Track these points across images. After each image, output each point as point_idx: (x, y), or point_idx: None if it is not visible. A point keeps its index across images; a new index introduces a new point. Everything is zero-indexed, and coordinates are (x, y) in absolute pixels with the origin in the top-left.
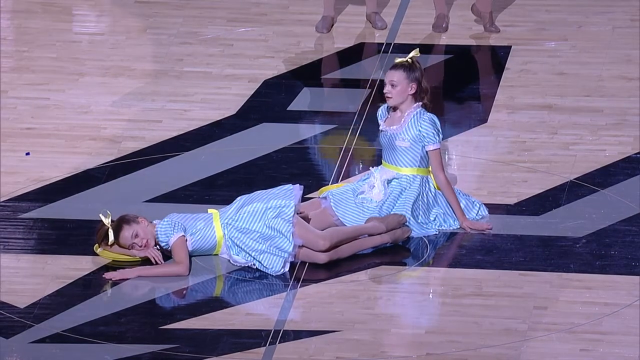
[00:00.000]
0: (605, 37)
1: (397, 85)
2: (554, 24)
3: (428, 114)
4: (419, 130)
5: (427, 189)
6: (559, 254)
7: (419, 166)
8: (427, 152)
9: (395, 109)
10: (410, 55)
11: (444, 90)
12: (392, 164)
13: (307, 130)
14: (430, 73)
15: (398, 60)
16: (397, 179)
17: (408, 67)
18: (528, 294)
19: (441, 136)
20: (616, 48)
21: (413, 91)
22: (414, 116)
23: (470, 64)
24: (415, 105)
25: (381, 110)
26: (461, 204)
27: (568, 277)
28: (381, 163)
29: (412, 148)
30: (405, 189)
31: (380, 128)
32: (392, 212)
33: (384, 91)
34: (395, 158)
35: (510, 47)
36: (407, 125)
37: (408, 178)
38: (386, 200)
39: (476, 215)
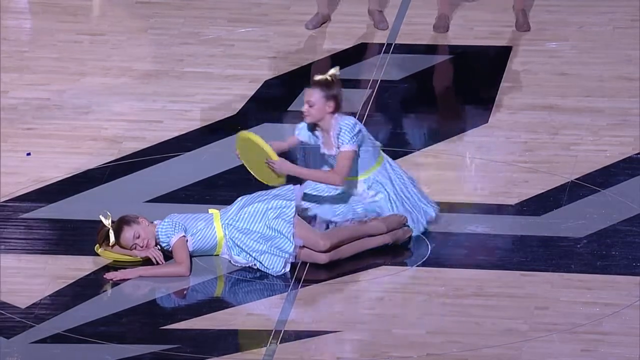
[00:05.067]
0: (606, 37)
1: (315, 104)
2: (555, 25)
3: (344, 118)
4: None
5: (392, 173)
6: (560, 255)
7: (370, 167)
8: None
9: (315, 127)
10: (330, 72)
11: (445, 90)
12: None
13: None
14: (431, 74)
15: (317, 77)
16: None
17: (325, 85)
18: (529, 294)
19: (356, 139)
20: (617, 48)
21: (331, 109)
22: (336, 133)
23: (471, 65)
24: (335, 122)
25: (300, 130)
26: (411, 214)
27: (569, 277)
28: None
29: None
30: (377, 188)
31: (322, 152)
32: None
33: (303, 109)
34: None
35: (510, 47)
36: (339, 142)
37: (370, 179)
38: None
39: (424, 222)
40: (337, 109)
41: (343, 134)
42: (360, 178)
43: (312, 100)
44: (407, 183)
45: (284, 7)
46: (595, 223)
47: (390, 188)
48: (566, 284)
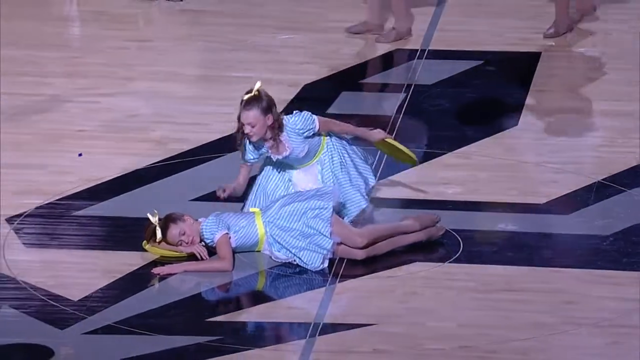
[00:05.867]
0: (631, 44)
1: (256, 123)
2: (582, 32)
3: (287, 122)
4: (301, 136)
5: (340, 150)
6: (587, 251)
7: (317, 151)
8: (317, 129)
9: (265, 140)
10: (255, 88)
11: (476, 94)
12: (300, 163)
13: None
14: (463, 78)
15: (246, 97)
16: (316, 166)
17: (257, 102)
18: (557, 289)
19: (309, 118)
20: None
21: (271, 121)
22: (288, 135)
23: (502, 70)
24: (281, 128)
25: (246, 154)
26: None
27: (596, 273)
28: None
29: (306, 150)
30: (328, 163)
31: (275, 157)
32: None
33: (246, 132)
34: (301, 161)
35: (540, 53)
36: (294, 144)
37: (324, 154)
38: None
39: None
40: (276, 118)
41: (302, 126)
42: (314, 161)
43: (252, 121)
44: (348, 156)
45: (323, 15)
46: (621, 222)
47: (337, 162)
48: (593, 279)
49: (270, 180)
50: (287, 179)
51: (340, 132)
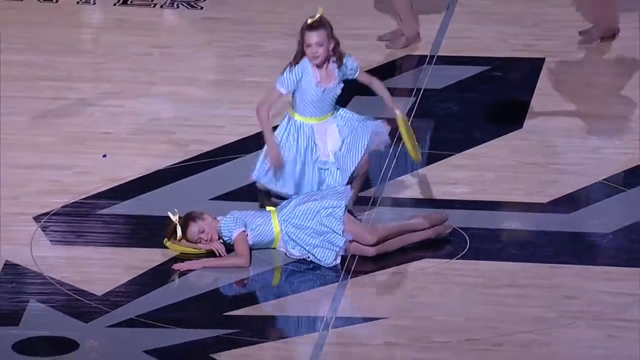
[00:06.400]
0: (632, 50)
1: (323, 43)
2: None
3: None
4: (344, 72)
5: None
6: (587, 249)
7: (332, 108)
8: (359, 79)
9: (319, 66)
10: (319, 14)
11: (483, 98)
12: (322, 114)
13: None
14: (471, 83)
15: (311, 20)
16: (332, 120)
17: (324, 25)
18: (558, 284)
19: (355, 62)
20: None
21: (333, 46)
22: (336, 67)
23: (507, 75)
24: (332, 58)
25: (302, 66)
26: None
27: (595, 269)
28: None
29: (341, 88)
30: (345, 121)
31: (321, 88)
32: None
33: (312, 52)
34: (325, 109)
35: (544, 59)
36: (337, 76)
37: (340, 114)
38: (345, 140)
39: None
40: (337, 43)
41: (350, 66)
42: (330, 116)
43: (320, 40)
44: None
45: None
46: (620, 220)
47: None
48: (592, 275)
49: (291, 148)
50: (309, 141)
51: (374, 87)
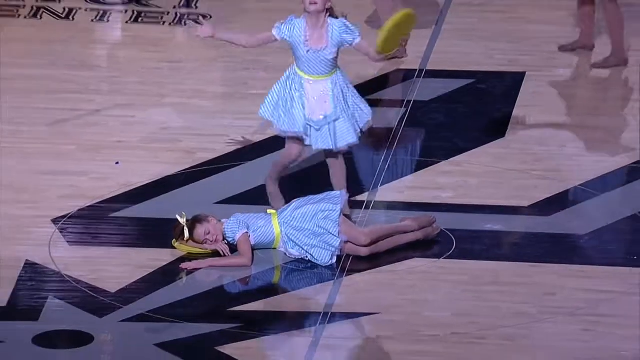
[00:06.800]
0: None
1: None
2: (562, 55)
3: (336, 20)
4: (339, 39)
5: (344, 79)
6: (565, 249)
7: (336, 66)
8: (356, 47)
9: (313, 26)
10: None
11: (469, 109)
12: (315, 73)
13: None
14: (457, 95)
15: None
16: (327, 82)
17: None
18: (538, 282)
19: (356, 29)
20: (614, 73)
21: (330, 4)
22: (330, 29)
23: (491, 87)
24: (327, 20)
25: (297, 22)
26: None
27: (572, 268)
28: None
29: (334, 56)
30: (338, 85)
31: (306, 47)
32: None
33: (311, 1)
34: (318, 69)
35: (524, 73)
36: (330, 40)
37: (335, 77)
38: (337, 105)
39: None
40: (332, 6)
41: (347, 33)
42: (326, 77)
43: None
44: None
45: None
46: (595, 222)
47: (346, 86)
48: (570, 274)
49: (285, 89)
50: (300, 88)
51: (369, 54)
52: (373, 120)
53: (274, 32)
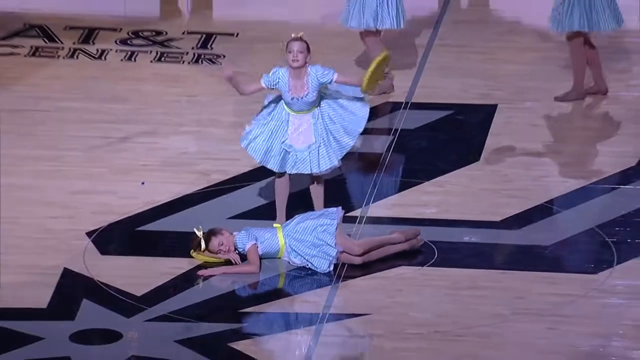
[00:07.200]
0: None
1: (303, 52)
2: (530, 89)
3: (313, 67)
4: (318, 83)
5: (330, 109)
6: (533, 258)
7: (318, 102)
8: (337, 82)
9: (295, 77)
10: (300, 34)
11: (448, 137)
12: (299, 110)
13: (345, 165)
14: (438, 124)
15: (295, 35)
16: (309, 116)
17: (304, 40)
18: (510, 287)
19: (330, 69)
20: (575, 107)
21: (309, 59)
22: (310, 78)
23: (467, 118)
24: (307, 70)
25: (281, 74)
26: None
27: (539, 275)
28: None
29: (315, 97)
30: (320, 118)
31: (291, 97)
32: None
33: (293, 57)
34: (301, 108)
35: (496, 105)
36: (310, 87)
37: (317, 110)
38: (321, 137)
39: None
40: (310, 60)
41: (323, 76)
42: (309, 113)
43: (301, 49)
44: (337, 115)
45: None
46: (558, 235)
47: (327, 117)
48: (537, 279)
49: (273, 119)
50: (285, 120)
51: (352, 82)
52: (365, 146)
53: (262, 82)
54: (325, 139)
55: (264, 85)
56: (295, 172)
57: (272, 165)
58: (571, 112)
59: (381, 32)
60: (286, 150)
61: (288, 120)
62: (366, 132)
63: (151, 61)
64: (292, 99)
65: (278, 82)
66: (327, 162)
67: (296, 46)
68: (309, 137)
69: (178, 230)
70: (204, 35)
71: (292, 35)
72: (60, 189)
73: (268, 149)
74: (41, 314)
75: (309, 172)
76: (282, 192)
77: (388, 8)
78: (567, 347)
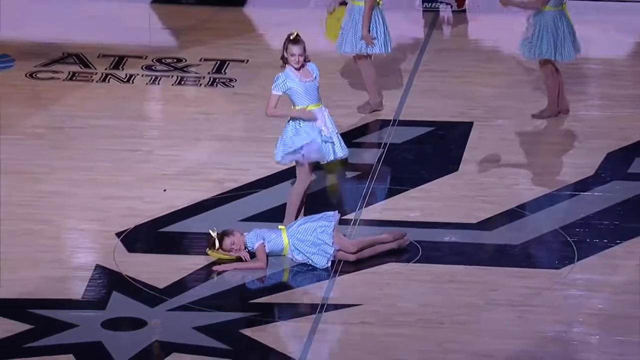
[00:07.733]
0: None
1: (303, 54)
2: (503, 108)
3: (309, 64)
4: (316, 72)
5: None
6: (505, 255)
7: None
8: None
9: (298, 69)
10: (295, 33)
11: (430, 150)
12: (314, 102)
13: (341, 175)
14: (422, 139)
15: (293, 36)
16: (323, 107)
17: (302, 41)
18: (484, 280)
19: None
20: (549, 124)
21: (306, 55)
22: (309, 66)
23: (447, 133)
24: (306, 62)
25: (285, 75)
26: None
27: (509, 270)
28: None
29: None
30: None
31: (304, 81)
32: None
33: (296, 60)
34: (314, 98)
35: (472, 122)
36: (313, 74)
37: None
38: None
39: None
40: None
41: (315, 65)
42: (322, 104)
43: (302, 51)
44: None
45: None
46: (527, 235)
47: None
48: (508, 274)
49: (302, 129)
50: (311, 122)
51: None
52: (358, 158)
53: (275, 92)
54: (333, 127)
55: (279, 94)
56: (338, 158)
57: (329, 156)
58: (538, 128)
59: (372, 56)
60: (325, 141)
61: (312, 122)
62: (359, 145)
63: (172, 84)
64: (305, 82)
65: (286, 81)
66: (344, 146)
67: (297, 50)
68: (329, 126)
69: (195, 231)
70: (218, 62)
71: (290, 36)
72: (93, 195)
73: (318, 147)
74: (76, 304)
75: (342, 156)
76: (300, 200)
77: (377, 35)
78: (534, 333)
